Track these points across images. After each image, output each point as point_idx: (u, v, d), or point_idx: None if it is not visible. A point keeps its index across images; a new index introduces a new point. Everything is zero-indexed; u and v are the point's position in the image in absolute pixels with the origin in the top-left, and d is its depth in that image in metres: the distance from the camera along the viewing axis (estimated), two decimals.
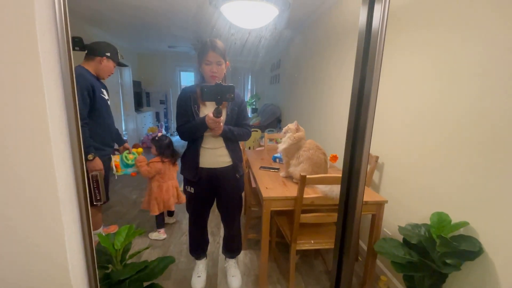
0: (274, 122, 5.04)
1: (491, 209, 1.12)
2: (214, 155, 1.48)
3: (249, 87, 7.22)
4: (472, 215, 1.20)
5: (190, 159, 1.50)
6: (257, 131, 4.62)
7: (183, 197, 2.26)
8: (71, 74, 0.62)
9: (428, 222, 1.31)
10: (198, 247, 1.73)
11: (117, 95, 4.33)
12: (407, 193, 1.60)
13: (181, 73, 6.75)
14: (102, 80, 1.88)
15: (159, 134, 2.23)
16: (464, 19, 1.23)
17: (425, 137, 1.46)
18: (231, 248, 1.75)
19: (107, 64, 1.77)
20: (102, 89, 1.80)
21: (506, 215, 1.06)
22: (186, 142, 1.54)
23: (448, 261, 1.16)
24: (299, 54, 3.92)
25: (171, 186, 2.23)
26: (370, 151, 1.92)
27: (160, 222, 2.23)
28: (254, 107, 6.80)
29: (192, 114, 1.42)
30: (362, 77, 0.60)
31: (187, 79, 6.74)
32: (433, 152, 1.41)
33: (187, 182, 1.56)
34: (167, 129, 6.56)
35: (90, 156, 1.63)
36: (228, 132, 1.43)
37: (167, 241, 2.17)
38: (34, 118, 0.58)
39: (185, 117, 1.44)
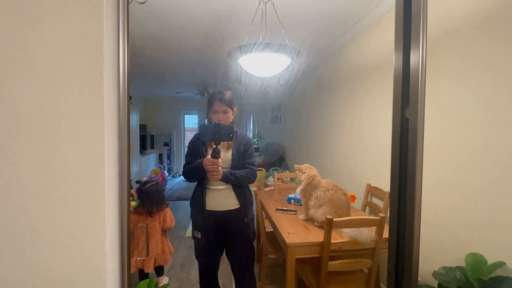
0: (278, 161, 5.07)
1: None
2: (220, 196, 1.44)
3: (251, 127, 7.42)
4: (508, 255, 1.15)
5: (196, 201, 1.47)
6: (261, 170, 4.62)
7: (163, 260, 1.98)
8: (128, 127, 0.64)
9: (462, 265, 1.25)
10: None
11: None
12: (438, 234, 1.54)
13: (185, 116, 6.98)
14: None
15: (144, 179, 2.08)
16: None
17: (443, 172, 1.47)
18: None
19: None
20: None
21: None
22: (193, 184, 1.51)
23: None
24: (298, 96, 4.13)
25: (153, 242, 1.90)
26: (380, 186, 1.93)
27: (141, 277, 1.97)
28: (256, 146, 6.91)
29: (199, 155, 1.44)
30: (403, 118, 0.62)
31: (191, 121, 6.94)
32: (460, 188, 1.40)
33: (194, 226, 1.51)
34: (169, 170, 6.53)
35: None
36: (229, 176, 1.38)
37: None
38: (93, 166, 0.60)
39: (192, 156, 1.46)
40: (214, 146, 1.24)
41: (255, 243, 1.58)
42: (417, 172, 0.61)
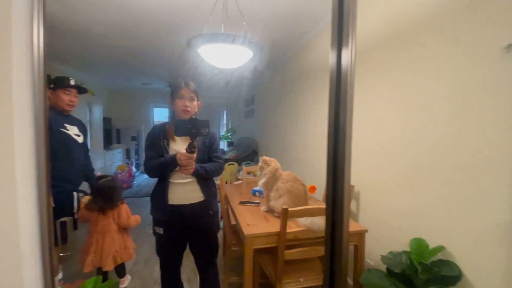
0: (251, 155, 5.07)
1: (463, 233, 1.18)
2: (183, 190, 1.41)
3: (224, 121, 7.34)
4: (447, 239, 1.25)
5: (158, 196, 1.42)
6: (233, 164, 4.59)
7: (127, 255, 1.91)
8: (45, 113, 0.58)
9: (408, 249, 1.34)
10: None
11: None
12: (385, 221, 1.64)
13: (154, 109, 6.70)
14: (71, 115, 1.84)
15: (98, 174, 1.94)
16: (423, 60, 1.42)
17: (398, 165, 1.56)
18: None
19: (55, 95, 1.73)
20: (65, 124, 1.75)
21: (477, 238, 1.12)
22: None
23: None
24: (273, 91, 4.14)
25: (108, 240, 1.80)
26: None
27: (100, 274, 1.89)
28: (230, 140, 6.85)
29: (161, 150, 1.39)
30: (337, 113, 0.64)
31: (161, 114, 6.68)
32: (405, 179, 1.50)
33: (156, 222, 1.46)
34: (138, 166, 6.26)
35: None
36: (199, 169, 1.38)
37: None
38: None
39: (153, 152, 1.41)
40: (190, 141, 1.23)
41: (220, 236, 1.57)
42: (346, 163, 0.63)
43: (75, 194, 1.83)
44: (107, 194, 1.81)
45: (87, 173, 1.98)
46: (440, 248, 1.25)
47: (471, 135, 1.14)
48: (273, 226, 1.46)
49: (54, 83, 1.74)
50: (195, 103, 1.45)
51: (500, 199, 1.02)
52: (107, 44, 2.95)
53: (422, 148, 1.39)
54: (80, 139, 1.86)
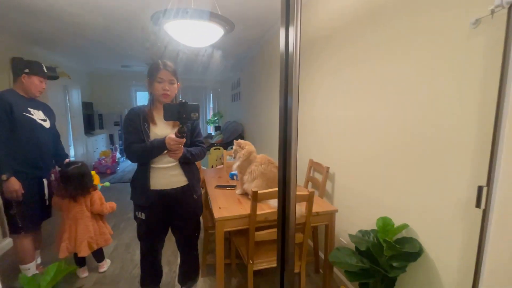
0: (237, 139, 5.04)
1: (424, 211, 1.21)
2: (166, 175, 1.38)
3: (211, 105, 7.21)
4: (411, 218, 1.28)
5: (139, 181, 1.38)
6: (219, 149, 4.56)
7: (103, 241, 1.90)
8: None
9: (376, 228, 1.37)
10: (150, 279, 1.58)
11: (63, 118, 3.95)
12: (357, 201, 1.67)
13: (137, 93, 6.49)
14: (36, 99, 1.76)
15: (66, 161, 1.89)
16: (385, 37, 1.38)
17: (367, 148, 1.56)
18: (188, 277, 1.63)
19: (29, 81, 1.67)
20: (29, 109, 1.68)
21: (436, 217, 1.15)
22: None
23: (394, 264, 1.20)
24: (256, 73, 4.04)
25: (81, 226, 1.78)
26: (321, 162, 2.02)
27: (77, 260, 1.90)
28: (217, 124, 6.77)
29: (142, 134, 1.33)
30: (285, 95, 0.63)
31: (144, 98, 6.48)
32: (374, 161, 1.51)
33: (137, 207, 1.43)
34: (122, 152, 6.14)
35: (3, 177, 1.52)
36: (186, 153, 1.36)
37: (117, 276, 1.95)
38: None
39: (133, 136, 1.34)
40: (177, 125, 1.23)
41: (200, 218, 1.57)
42: (293, 146, 0.63)
43: (44, 180, 1.78)
44: (77, 181, 1.76)
45: (59, 159, 1.92)
46: (404, 226, 1.28)
47: (437, 115, 1.13)
48: (246, 208, 1.46)
49: (29, 68, 1.67)
50: (175, 85, 1.38)
51: (461, 178, 1.04)
52: (81, 24, 2.77)
53: (389, 130, 1.39)
54: (46, 124, 1.78)
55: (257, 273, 1.66)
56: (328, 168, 1.87)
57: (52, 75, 1.79)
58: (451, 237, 1.09)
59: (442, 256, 1.14)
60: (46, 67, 1.78)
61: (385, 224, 1.32)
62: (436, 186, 1.14)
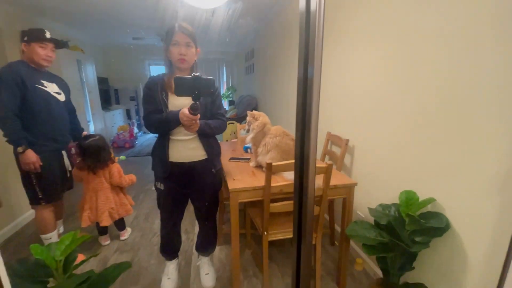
0: None
1: (454, 185, 1.11)
2: (185, 147, 1.34)
3: (225, 79, 7.05)
4: (438, 192, 1.19)
5: (158, 152, 1.36)
6: (233, 123, 4.51)
7: (124, 211, 1.97)
8: None
9: (398, 202, 1.29)
10: (169, 247, 1.63)
11: (79, 93, 4.00)
12: (378, 174, 1.58)
13: (151, 67, 6.42)
14: (49, 72, 1.73)
15: (84, 134, 1.91)
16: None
17: (392, 119, 1.43)
18: (206, 246, 1.66)
19: (30, 48, 1.60)
20: (41, 81, 1.65)
21: (468, 191, 1.05)
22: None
23: (416, 239, 1.14)
24: (270, 44, 3.82)
25: (102, 197, 1.85)
26: (340, 135, 1.91)
27: (99, 229, 1.98)
28: (231, 99, 6.65)
29: (160, 103, 1.28)
30: (305, 62, 0.55)
31: (158, 73, 6.43)
32: (399, 130, 1.39)
33: (157, 178, 1.43)
34: (139, 126, 6.26)
35: (20, 149, 1.53)
36: (204, 127, 1.29)
37: (137, 243, 2.04)
38: None
39: (151, 106, 1.30)
40: (193, 101, 1.09)
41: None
42: (313, 117, 0.57)
43: (64, 152, 1.82)
44: (95, 154, 1.78)
45: (76, 133, 1.94)
46: (430, 200, 1.20)
47: (466, 87, 0.98)
48: (260, 180, 1.42)
49: (27, 36, 1.59)
50: (193, 50, 1.27)
51: (495, 151, 0.92)
52: None
53: (416, 102, 1.25)
54: (61, 97, 1.77)
55: (271, 243, 1.67)
56: (347, 140, 1.77)
57: (55, 39, 1.69)
58: (483, 213, 0.99)
59: (471, 233, 1.05)
60: (57, 40, 1.71)
61: (408, 198, 1.24)
62: (468, 158, 1.03)
